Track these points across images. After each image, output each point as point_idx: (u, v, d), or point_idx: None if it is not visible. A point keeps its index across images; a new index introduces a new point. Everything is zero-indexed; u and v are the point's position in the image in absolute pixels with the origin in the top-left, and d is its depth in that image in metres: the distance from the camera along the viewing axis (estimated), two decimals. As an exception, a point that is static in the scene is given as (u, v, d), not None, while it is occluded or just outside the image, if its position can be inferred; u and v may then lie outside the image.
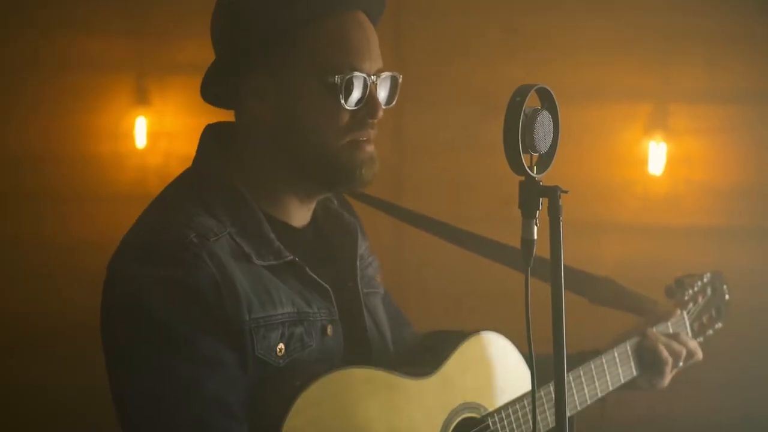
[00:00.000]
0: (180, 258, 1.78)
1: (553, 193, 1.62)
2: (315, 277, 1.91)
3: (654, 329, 2.32)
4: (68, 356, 3.90)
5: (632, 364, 2.29)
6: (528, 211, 1.64)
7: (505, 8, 3.82)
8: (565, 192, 1.63)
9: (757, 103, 3.71)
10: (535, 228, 1.64)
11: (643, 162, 3.76)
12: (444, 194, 3.81)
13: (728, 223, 3.74)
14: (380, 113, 1.90)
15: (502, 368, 2.08)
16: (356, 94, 1.87)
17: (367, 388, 1.86)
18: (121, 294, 1.81)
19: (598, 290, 2.43)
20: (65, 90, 4.01)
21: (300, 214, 1.98)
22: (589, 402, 2.21)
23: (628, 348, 2.29)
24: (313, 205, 2.00)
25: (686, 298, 2.42)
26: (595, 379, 2.22)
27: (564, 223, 1.63)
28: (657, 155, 3.75)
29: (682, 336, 2.33)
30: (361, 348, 1.99)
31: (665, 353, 2.29)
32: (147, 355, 1.77)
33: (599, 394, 2.23)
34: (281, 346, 1.84)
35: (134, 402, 1.80)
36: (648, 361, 2.30)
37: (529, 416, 2.05)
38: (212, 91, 1.95)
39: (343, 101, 1.86)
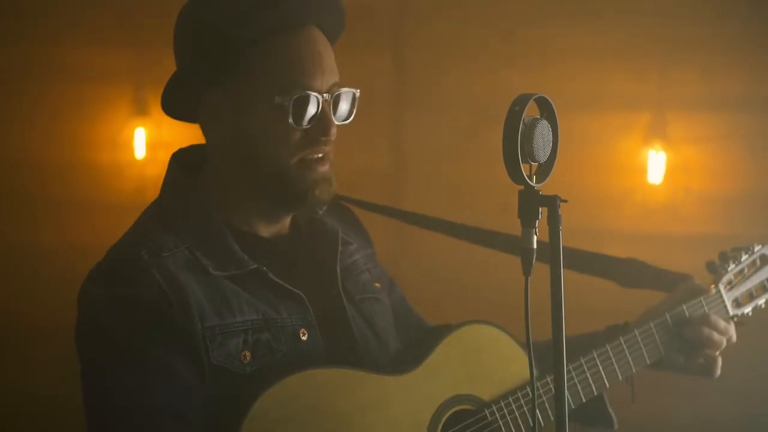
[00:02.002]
0: (128, 275, 1.84)
1: (552, 203, 1.63)
2: (282, 283, 1.92)
3: (685, 306, 2.27)
4: (64, 362, 3.89)
5: (668, 338, 2.25)
6: (527, 221, 1.64)
7: (504, 16, 3.82)
8: (565, 201, 1.63)
9: (755, 111, 3.71)
10: (535, 237, 1.64)
11: (643, 171, 3.76)
12: (443, 201, 3.80)
13: (727, 231, 3.73)
14: (333, 131, 1.90)
15: (496, 358, 2.06)
16: (308, 113, 1.88)
17: (337, 387, 1.86)
18: (80, 314, 1.89)
19: (624, 272, 2.41)
20: (65, 100, 4.01)
21: (272, 226, 1.99)
22: (620, 377, 2.18)
23: (668, 319, 2.25)
24: (284, 220, 2.01)
25: (726, 272, 2.36)
26: (628, 354, 2.19)
27: (563, 231, 1.63)
28: (656, 164, 3.75)
29: (711, 318, 2.28)
30: (349, 352, 1.98)
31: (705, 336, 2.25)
32: (100, 369, 1.84)
33: (634, 369, 2.20)
34: (246, 353, 1.86)
35: (91, 414, 1.86)
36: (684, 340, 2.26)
37: (529, 405, 2.02)
38: (172, 104, 1.98)
39: (291, 121, 1.86)
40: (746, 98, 3.70)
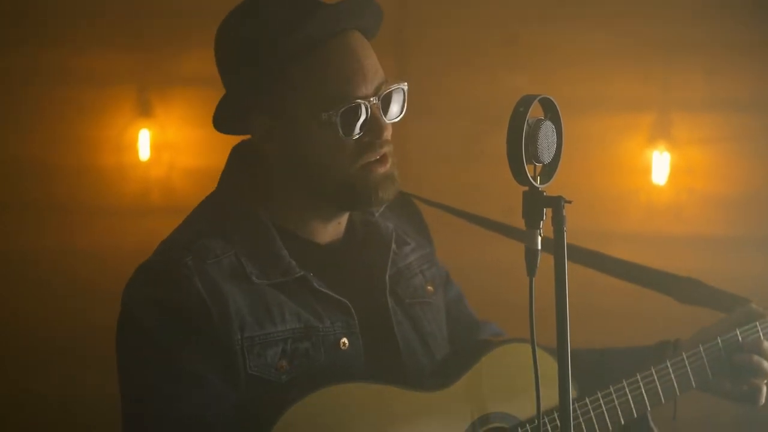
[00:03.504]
0: (171, 280, 1.84)
1: (556, 203, 1.63)
2: (326, 291, 1.91)
3: (738, 331, 2.22)
4: (70, 367, 3.90)
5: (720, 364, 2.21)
6: (532, 222, 1.64)
7: (507, 19, 3.82)
8: (569, 202, 1.63)
9: (759, 112, 3.70)
10: (539, 238, 1.64)
11: (647, 171, 3.76)
12: (447, 203, 3.80)
13: (731, 233, 3.73)
14: (386, 134, 1.89)
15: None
16: (358, 122, 1.86)
17: (366, 403, 1.86)
18: (122, 312, 1.89)
19: (683, 289, 2.39)
20: (68, 103, 4.01)
21: (327, 231, 1.98)
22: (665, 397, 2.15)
23: (720, 343, 2.21)
24: (342, 220, 2.01)
25: None
26: (673, 378, 2.15)
27: (568, 232, 1.63)
28: (660, 165, 3.75)
29: (764, 345, 2.22)
30: (391, 360, 1.98)
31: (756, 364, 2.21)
32: (134, 371, 1.86)
33: (678, 392, 2.16)
34: (283, 362, 1.85)
35: (125, 414, 1.87)
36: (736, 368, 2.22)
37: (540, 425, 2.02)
38: (225, 124, 1.97)
39: (342, 134, 1.85)
40: (751, 99, 3.70)
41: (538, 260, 1.63)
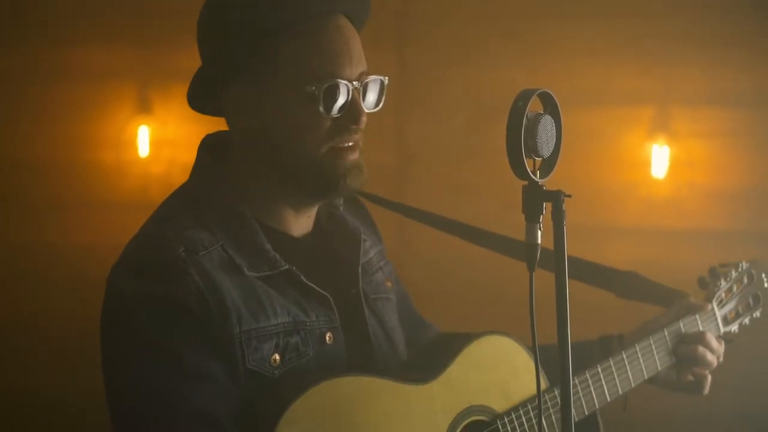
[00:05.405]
0: (167, 273, 1.79)
1: (556, 198, 1.62)
2: (312, 285, 1.91)
3: (681, 323, 2.30)
4: (70, 362, 3.90)
5: (667, 354, 2.28)
6: (531, 216, 1.64)
7: (507, 14, 3.83)
8: (569, 196, 1.63)
9: (759, 106, 3.71)
10: (539, 232, 1.64)
11: (646, 165, 3.77)
12: (447, 199, 3.81)
13: (731, 226, 3.73)
14: (363, 119, 1.88)
15: (511, 370, 2.06)
16: (338, 101, 1.86)
17: (361, 396, 1.86)
18: (113, 307, 1.84)
19: (623, 284, 2.43)
20: (68, 99, 4.02)
21: (299, 223, 1.97)
22: (621, 392, 2.20)
23: (667, 336, 2.27)
24: (312, 213, 2.00)
25: (718, 288, 2.39)
26: (628, 369, 2.21)
27: (567, 226, 1.63)
28: (660, 158, 3.75)
29: (706, 336, 2.30)
30: (364, 354, 1.98)
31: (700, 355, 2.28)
32: (136, 370, 1.79)
33: (633, 384, 2.22)
34: (276, 356, 1.84)
35: (124, 414, 1.82)
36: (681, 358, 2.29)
37: (541, 416, 2.03)
38: (198, 100, 1.95)
39: (322, 110, 1.84)
40: (750, 93, 3.70)
41: (538, 254, 1.63)
